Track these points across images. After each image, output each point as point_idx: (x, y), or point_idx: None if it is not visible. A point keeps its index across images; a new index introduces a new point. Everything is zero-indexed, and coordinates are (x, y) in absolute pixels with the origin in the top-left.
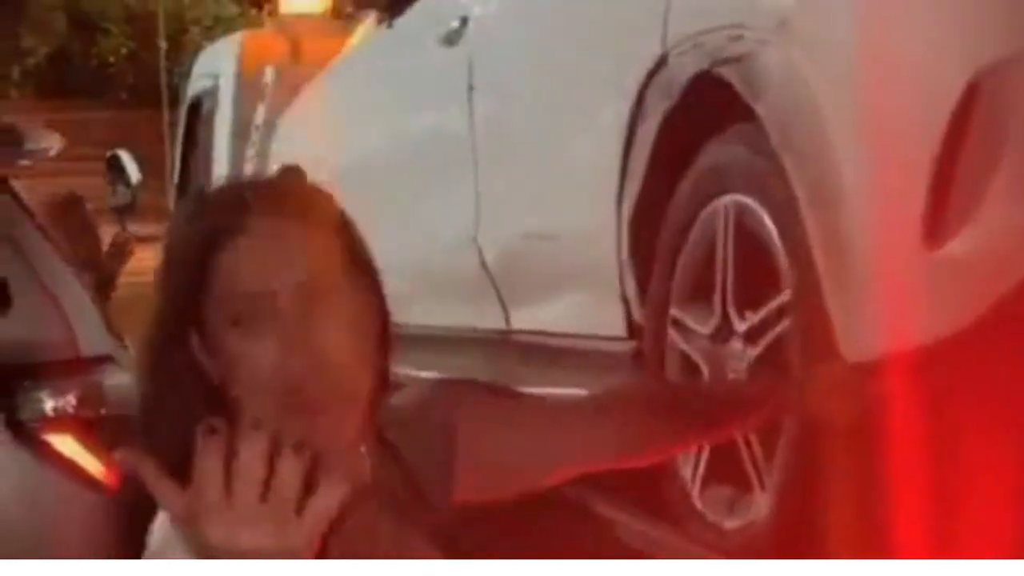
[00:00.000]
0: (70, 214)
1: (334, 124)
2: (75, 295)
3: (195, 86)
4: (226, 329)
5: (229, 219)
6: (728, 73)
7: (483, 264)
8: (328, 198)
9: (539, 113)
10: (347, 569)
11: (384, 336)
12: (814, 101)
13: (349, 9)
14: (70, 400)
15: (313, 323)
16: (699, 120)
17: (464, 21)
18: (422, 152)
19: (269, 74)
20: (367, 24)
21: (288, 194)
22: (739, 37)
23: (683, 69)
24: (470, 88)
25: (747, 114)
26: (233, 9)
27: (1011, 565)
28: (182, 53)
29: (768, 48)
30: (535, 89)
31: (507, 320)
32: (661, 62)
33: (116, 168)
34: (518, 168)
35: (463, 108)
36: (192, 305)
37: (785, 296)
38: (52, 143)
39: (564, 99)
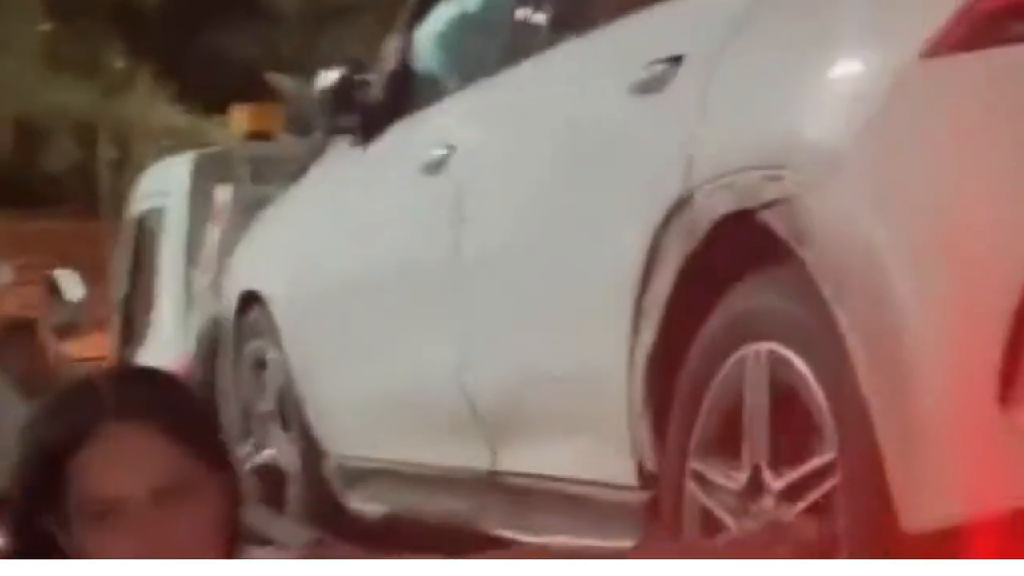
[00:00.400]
0: (20, 338)
1: (302, 250)
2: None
3: (142, 204)
4: (82, 527)
5: (85, 424)
6: (769, 217)
7: (470, 402)
8: (187, 396)
9: (538, 249)
10: (347, 569)
11: (238, 514)
12: (874, 252)
13: (317, 130)
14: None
15: (166, 522)
16: (725, 262)
17: (451, 149)
18: (402, 283)
19: (223, 194)
20: (335, 147)
21: (144, 396)
22: (777, 178)
23: (710, 209)
24: (458, 219)
25: (780, 258)
26: (183, 121)
27: None
28: (129, 164)
29: (815, 191)
30: (534, 224)
31: (494, 461)
32: (684, 200)
33: (54, 289)
34: (512, 305)
35: (449, 239)
36: (49, 503)
37: (829, 455)
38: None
39: (569, 235)
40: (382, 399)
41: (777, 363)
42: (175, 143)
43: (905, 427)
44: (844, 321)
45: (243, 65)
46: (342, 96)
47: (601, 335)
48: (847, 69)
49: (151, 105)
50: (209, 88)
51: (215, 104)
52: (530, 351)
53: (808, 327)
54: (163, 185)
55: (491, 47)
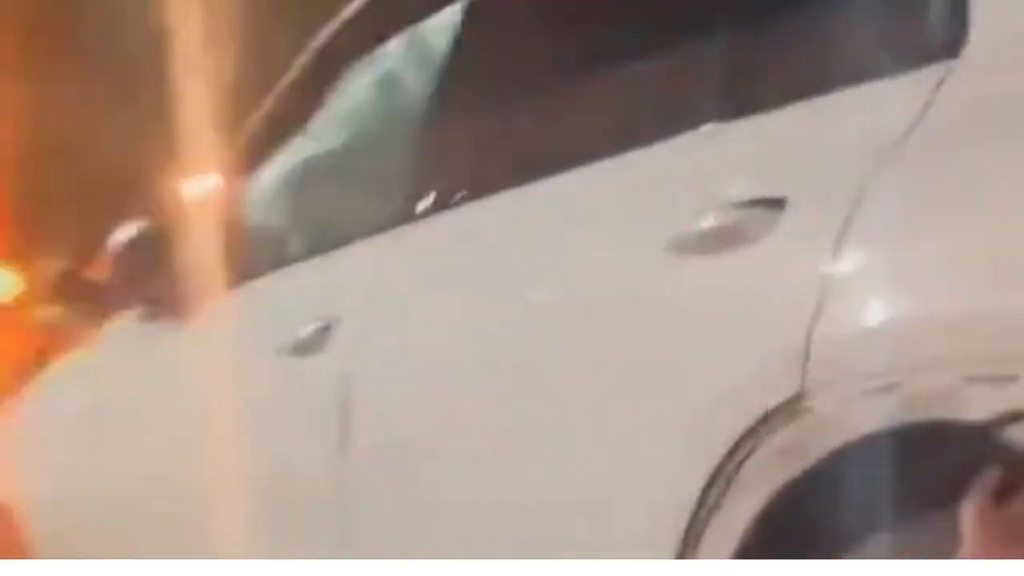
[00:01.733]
0: None
1: (79, 453)
2: None
3: None
4: None
5: None
6: (1015, 435)
7: None
8: None
9: (487, 458)
10: (348, 569)
11: None
12: None
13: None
14: None
15: None
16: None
17: (330, 323)
18: (255, 496)
19: None
20: (119, 322)
21: None
22: (1013, 378)
23: (836, 424)
24: (343, 414)
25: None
26: None
27: None
28: None
29: None
30: (479, 423)
31: None
32: (790, 404)
33: None
34: (432, 533)
35: (329, 440)
36: None
37: None
38: None
39: (542, 440)
40: None
41: None
42: None
43: None
44: None
45: None
46: (144, 258)
47: None
48: None
49: None
50: None
51: None
52: None
53: None
54: None
55: (374, 199)
